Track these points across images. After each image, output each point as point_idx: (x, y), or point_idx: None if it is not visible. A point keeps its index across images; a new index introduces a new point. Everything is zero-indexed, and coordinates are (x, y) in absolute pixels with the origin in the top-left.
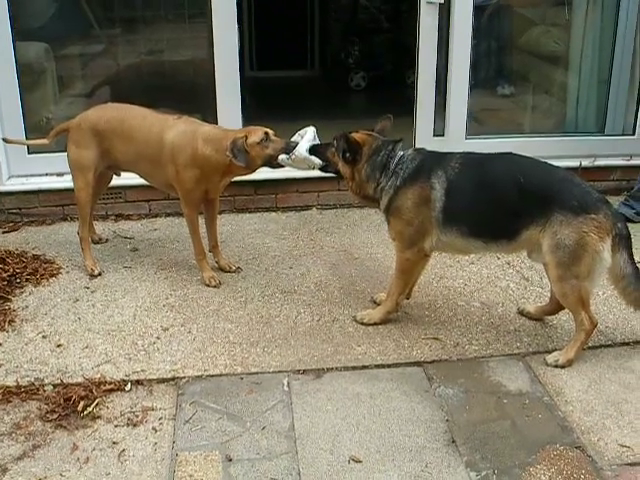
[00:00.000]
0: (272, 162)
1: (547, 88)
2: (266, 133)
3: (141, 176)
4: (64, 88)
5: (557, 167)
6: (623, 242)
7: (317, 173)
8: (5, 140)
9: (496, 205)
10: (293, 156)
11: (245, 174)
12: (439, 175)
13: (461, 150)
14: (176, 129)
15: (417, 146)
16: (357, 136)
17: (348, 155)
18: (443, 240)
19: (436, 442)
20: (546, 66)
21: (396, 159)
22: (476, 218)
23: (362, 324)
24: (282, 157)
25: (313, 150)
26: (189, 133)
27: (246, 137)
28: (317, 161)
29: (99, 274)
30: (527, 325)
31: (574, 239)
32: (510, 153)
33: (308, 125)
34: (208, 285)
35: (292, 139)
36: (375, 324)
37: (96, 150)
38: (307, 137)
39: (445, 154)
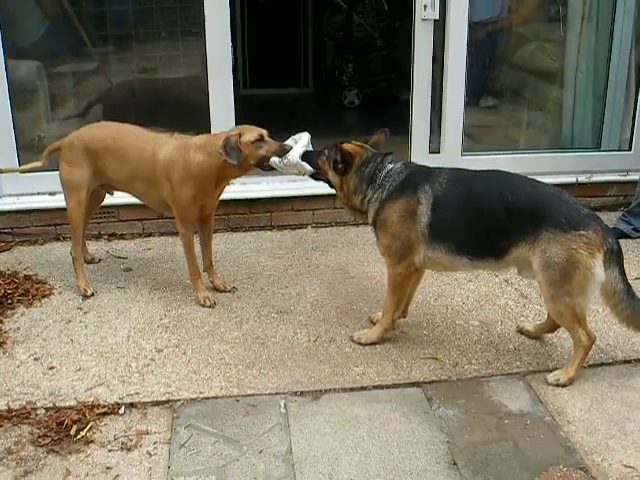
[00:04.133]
0: (264, 163)
1: (542, 104)
2: (261, 134)
3: (135, 196)
4: (56, 106)
5: (545, 184)
6: (614, 258)
7: (312, 191)
8: None
9: (483, 222)
10: (285, 160)
11: (238, 175)
12: (426, 190)
13: (456, 166)
14: (168, 146)
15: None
16: (349, 147)
17: (340, 166)
18: (430, 256)
19: (437, 465)
20: (541, 82)
21: (384, 172)
22: (462, 235)
23: (359, 344)
24: (274, 159)
25: (305, 157)
26: (180, 147)
27: (240, 135)
28: (308, 168)
29: (92, 295)
30: (527, 344)
31: (563, 256)
32: (498, 170)
33: (303, 131)
34: (203, 305)
35: (286, 142)
36: (373, 344)
37: (89, 169)
38: (301, 142)
39: (433, 169)
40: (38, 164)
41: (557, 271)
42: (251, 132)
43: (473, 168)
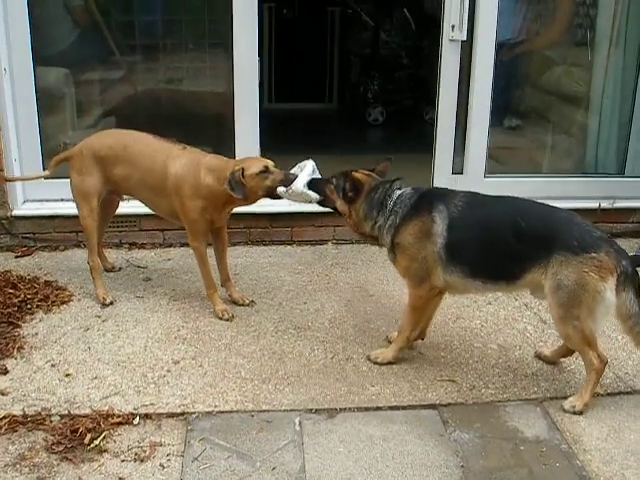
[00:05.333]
0: (272, 193)
1: (567, 128)
2: (266, 166)
3: (144, 203)
4: (83, 114)
5: (557, 208)
6: (629, 281)
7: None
8: (6, 179)
9: (496, 247)
10: (290, 190)
11: (246, 204)
12: (440, 209)
13: (479, 187)
14: (180, 160)
15: (417, 185)
16: (358, 175)
17: (350, 194)
18: (446, 279)
19: None
20: (567, 106)
21: (394, 197)
22: (476, 258)
23: (376, 363)
24: (280, 190)
25: (312, 184)
26: (192, 164)
27: (243, 169)
28: (314, 196)
29: (111, 303)
30: (545, 369)
31: (573, 279)
32: (511, 196)
33: (308, 158)
34: (221, 318)
35: (292, 171)
36: (389, 363)
37: (99, 177)
38: (306, 171)
39: (448, 191)
40: (47, 173)
41: (566, 293)
42: (255, 164)
43: (495, 190)
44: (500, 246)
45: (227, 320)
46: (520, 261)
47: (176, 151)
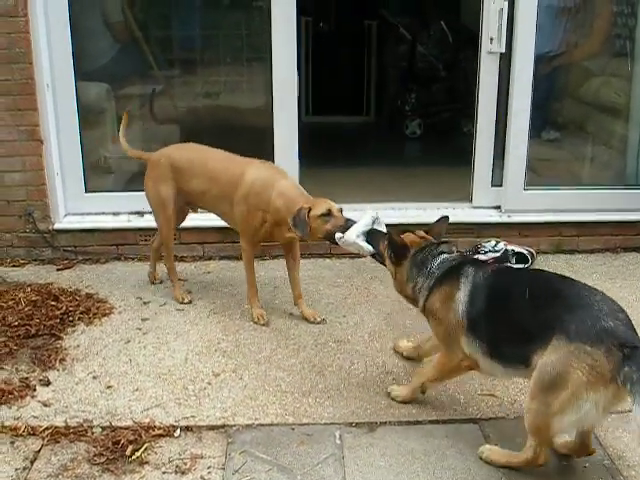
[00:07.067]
0: (331, 238)
1: (607, 139)
2: (329, 209)
3: (218, 215)
4: None
5: (589, 289)
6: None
7: None
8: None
9: (507, 322)
10: (343, 238)
11: (306, 241)
12: (467, 274)
13: (519, 199)
14: (259, 172)
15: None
16: (409, 238)
17: (395, 258)
18: (469, 352)
19: None
20: (606, 117)
21: (438, 261)
22: (492, 334)
23: (394, 400)
24: (337, 235)
25: (370, 235)
26: (270, 180)
27: (310, 209)
28: (367, 248)
29: (189, 302)
30: None
31: (557, 370)
32: (543, 271)
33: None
34: (256, 323)
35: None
36: (403, 402)
37: (173, 187)
38: (362, 222)
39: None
40: (127, 151)
41: (548, 375)
42: (321, 206)
43: (534, 202)
44: (510, 322)
45: (262, 325)
46: (528, 342)
47: (257, 163)
